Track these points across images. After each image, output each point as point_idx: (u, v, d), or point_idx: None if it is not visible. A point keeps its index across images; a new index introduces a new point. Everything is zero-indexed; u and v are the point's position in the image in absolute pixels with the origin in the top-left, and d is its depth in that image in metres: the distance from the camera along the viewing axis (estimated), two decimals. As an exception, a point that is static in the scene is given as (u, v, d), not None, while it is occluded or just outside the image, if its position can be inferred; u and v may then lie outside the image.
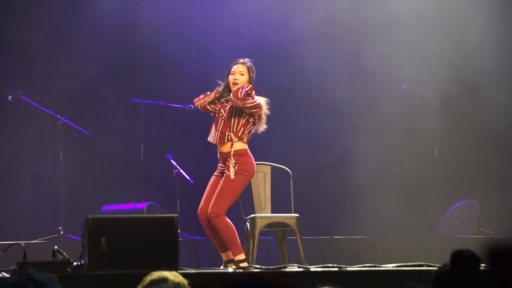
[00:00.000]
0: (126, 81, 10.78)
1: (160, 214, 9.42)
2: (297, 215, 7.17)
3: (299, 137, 11.09)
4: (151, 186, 10.82)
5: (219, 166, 6.99)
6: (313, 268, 5.97)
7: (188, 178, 10.03)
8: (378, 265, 6.20)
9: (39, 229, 9.92)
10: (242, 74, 6.97)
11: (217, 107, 7.01)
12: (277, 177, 7.54)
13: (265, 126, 6.94)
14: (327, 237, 9.71)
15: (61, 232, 9.55)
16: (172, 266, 5.41)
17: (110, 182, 10.68)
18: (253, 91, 6.92)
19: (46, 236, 9.54)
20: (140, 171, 10.18)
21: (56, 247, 5.67)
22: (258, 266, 6.31)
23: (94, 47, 10.74)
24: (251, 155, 6.89)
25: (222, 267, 6.80)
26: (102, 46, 10.70)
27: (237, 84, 6.91)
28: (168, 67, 10.82)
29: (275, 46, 10.84)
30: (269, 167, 7.42)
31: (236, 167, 6.77)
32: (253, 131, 6.95)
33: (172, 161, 10.06)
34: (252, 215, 7.11)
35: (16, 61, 10.54)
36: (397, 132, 10.86)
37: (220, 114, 6.95)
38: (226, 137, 6.86)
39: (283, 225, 7.15)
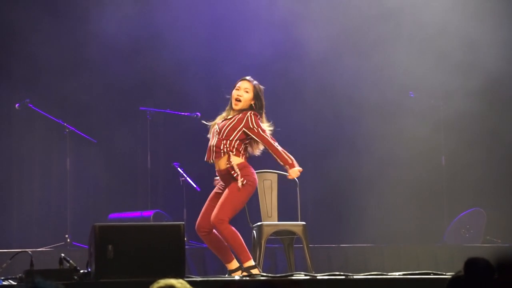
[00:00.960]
0: (133, 89, 10.79)
1: (166, 222, 9.42)
2: (304, 223, 7.16)
3: (306, 145, 11.08)
4: (158, 194, 10.83)
5: (220, 184, 6.87)
6: (319, 276, 5.96)
7: (194, 186, 10.03)
8: (385, 273, 6.19)
9: (46, 237, 9.94)
10: (247, 92, 6.81)
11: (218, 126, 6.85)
12: (284, 185, 7.53)
13: (260, 148, 6.82)
14: (334, 245, 9.70)
15: (68, 240, 9.56)
16: (179, 274, 5.41)
17: (117, 190, 10.69)
18: (261, 117, 6.79)
19: (53, 244, 9.55)
20: (146, 179, 10.19)
21: (63, 255, 5.67)
22: (265, 274, 6.31)
23: (101, 55, 10.75)
24: (251, 167, 6.77)
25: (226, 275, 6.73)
26: (109, 54, 10.71)
27: (240, 101, 6.78)
28: (175, 75, 10.82)
29: (281, 53, 10.84)
30: (276, 175, 7.42)
31: (241, 178, 6.62)
32: (249, 149, 6.80)
33: (179, 169, 10.07)
34: (259, 223, 7.10)
35: (23, 69, 10.55)
36: (404, 140, 10.84)
37: (214, 130, 6.83)
38: (221, 151, 6.72)
39: (290, 233, 7.14)
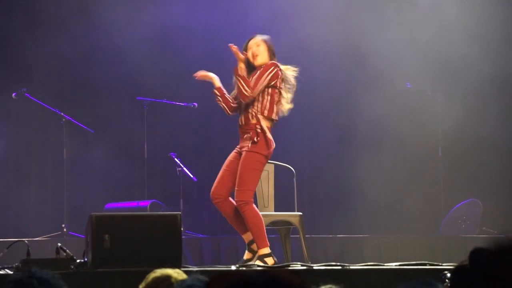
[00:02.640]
0: (130, 79, 10.77)
1: (163, 212, 9.42)
2: (301, 213, 7.16)
3: (303, 135, 11.09)
4: (155, 184, 10.83)
5: (237, 147, 6.55)
6: (316, 267, 5.97)
7: (191, 176, 10.03)
8: (381, 264, 6.19)
9: (43, 227, 9.94)
10: (258, 45, 6.56)
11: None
12: (281, 176, 7.54)
13: (289, 106, 6.50)
14: (330, 235, 9.71)
15: (65, 230, 9.56)
16: (175, 264, 5.42)
17: (114, 180, 10.68)
18: (272, 67, 6.45)
19: (50, 234, 9.56)
20: (143, 169, 10.19)
21: (59, 244, 5.68)
22: (261, 264, 6.31)
23: (98, 46, 10.73)
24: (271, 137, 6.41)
25: (246, 251, 6.51)
26: (106, 45, 10.69)
27: (257, 55, 6.51)
28: (172, 65, 10.81)
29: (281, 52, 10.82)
30: (273, 165, 7.42)
31: (256, 143, 6.32)
32: (277, 103, 6.44)
33: (175, 159, 10.06)
34: (256, 213, 7.09)
35: (20, 58, 10.54)
36: (401, 131, 10.85)
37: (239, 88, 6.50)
38: (250, 115, 6.43)
39: (286, 223, 7.14)
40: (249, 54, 6.55)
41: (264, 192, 7.31)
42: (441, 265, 5.94)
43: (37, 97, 9.86)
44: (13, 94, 9.76)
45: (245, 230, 6.47)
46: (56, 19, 10.66)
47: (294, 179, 7.47)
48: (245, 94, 6.41)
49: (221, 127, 11.15)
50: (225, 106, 6.70)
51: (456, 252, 9.23)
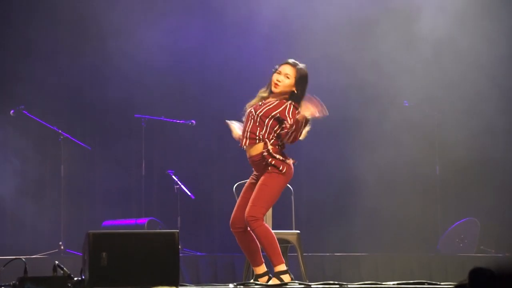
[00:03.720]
0: (128, 97, 10.79)
1: (161, 229, 9.40)
2: (298, 231, 7.15)
3: (301, 154, 11.09)
4: (152, 202, 10.82)
5: (253, 174, 6.29)
6: (314, 285, 5.95)
7: (189, 193, 10.03)
8: (379, 282, 6.18)
9: (40, 244, 9.92)
10: (288, 78, 6.16)
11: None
12: (279, 194, 7.52)
13: (301, 138, 6.21)
14: (328, 254, 9.70)
15: (62, 247, 9.55)
16: (173, 282, 5.41)
17: (111, 198, 10.68)
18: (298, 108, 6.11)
19: (47, 251, 9.54)
20: (141, 186, 10.18)
21: (56, 262, 5.66)
22: (258, 283, 6.29)
23: (96, 63, 10.76)
24: (288, 157, 6.21)
25: (252, 281, 6.40)
26: (104, 62, 10.72)
27: (278, 85, 6.15)
28: (170, 82, 10.83)
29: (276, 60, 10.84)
30: (271, 183, 7.39)
31: (275, 166, 6.08)
32: (285, 140, 6.20)
33: (173, 176, 10.06)
34: (253, 232, 7.08)
35: (18, 76, 10.55)
36: (398, 149, 10.86)
37: (250, 114, 6.22)
38: (257, 137, 6.16)
39: (284, 241, 7.12)
40: (274, 78, 6.20)
41: (262, 210, 7.30)
42: (439, 284, 5.93)
43: (35, 114, 9.86)
44: (11, 111, 9.77)
45: (259, 263, 6.31)
46: (54, 37, 10.69)
47: (292, 197, 7.47)
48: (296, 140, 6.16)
49: (219, 145, 11.16)
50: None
51: (453, 271, 9.23)
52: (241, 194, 6.34)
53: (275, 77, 6.19)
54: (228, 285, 6.11)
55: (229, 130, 6.60)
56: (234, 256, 9.34)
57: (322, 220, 11.08)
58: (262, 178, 6.15)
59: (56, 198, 10.09)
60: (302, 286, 5.98)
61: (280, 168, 6.09)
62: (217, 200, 11.06)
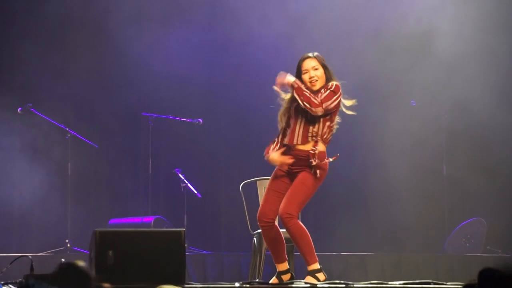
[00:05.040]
0: (135, 95, 10.79)
1: (167, 228, 9.41)
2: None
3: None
4: (159, 200, 10.83)
5: (281, 168, 6.22)
6: (320, 285, 5.95)
7: (195, 192, 10.03)
8: (385, 282, 6.17)
9: (46, 242, 9.93)
10: (316, 69, 6.15)
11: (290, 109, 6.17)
12: (285, 193, 7.51)
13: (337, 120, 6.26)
14: (334, 253, 9.69)
15: (68, 245, 9.56)
16: (179, 280, 5.42)
17: (118, 196, 10.69)
18: (334, 86, 6.12)
19: (53, 249, 9.55)
20: (148, 184, 10.19)
21: (63, 259, 5.67)
22: (264, 282, 6.29)
23: (104, 61, 10.76)
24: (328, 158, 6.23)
25: (274, 277, 6.34)
26: (112, 61, 10.73)
27: (316, 81, 6.12)
28: (178, 81, 10.83)
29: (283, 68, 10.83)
30: (277, 182, 7.39)
31: (317, 169, 6.11)
32: (333, 130, 6.25)
33: (180, 175, 10.06)
34: (259, 230, 7.08)
35: (25, 73, 10.56)
36: (406, 149, 10.84)
37: (301, 110, 6.11)
38: (309, 136, 6.11)
39: (290, 240, 7.11)
40: (306, 78, 6.15)
41: (268, 209, 7.29)
42: (446, 284, 5.92)
43: (43, 112, 9.88)
44: (19, 109, 9.79)
45: (282, 259, 6.29)
46: (63, 36, 10.70)
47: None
48: (315, 103, 6.05)
49: (226, 144, 11.16)
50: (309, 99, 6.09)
51: (460, 271, 9.21)
52: (269, 187, 6.27)
53: (306, 76, 6.14)
54: (234, 284, 6.11)
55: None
56: (240, 255, 9.34)
57: (329, 219, 11.07)
58: (301, 175, 6.11)
59: (63, 196, 10.10)
60: (308, 285, 5.98)
61: (318, 173, 6.11)
62: (224, 199, 11.06)
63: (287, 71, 6.28)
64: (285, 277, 6.27)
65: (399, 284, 6.08)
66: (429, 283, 6.02)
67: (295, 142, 6.13)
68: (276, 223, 6.26)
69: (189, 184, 10.03)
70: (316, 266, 6.16)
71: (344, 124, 10.79)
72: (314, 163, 6.09)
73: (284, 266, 6.29)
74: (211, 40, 10.99)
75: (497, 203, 10.90)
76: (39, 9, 10.59)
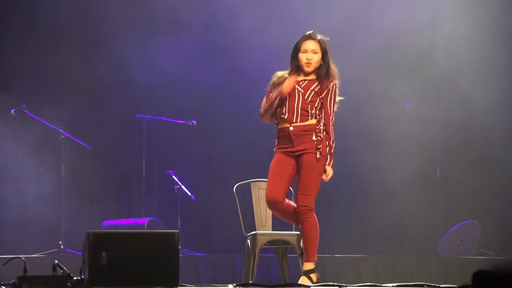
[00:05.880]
0: (129, 96, 10.79)
1: (160, 229, 9.40)
2: (298, 232, 7.14)
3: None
4: (152, 202, 10.82)
5: (284, 148, 6.21)
6: (314, 287, 5.95)
7: (189, 194, 10.02)
8: (379, 284, 6.18)
9: (40, 243, 9.92)
10: (315, 53, 6.16)
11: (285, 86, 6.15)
12: (279, 195, 7.50)
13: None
14: (327, 255, 9.69)
15: (62, 247, 9.55)
16: (173, 282, 5.41)
17: (111, 197, 10.68)
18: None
19: (47, 250, 9.54)
20: (141, 186, 10.18)
21: (56, 261, 5.66)
22: (258, 283, 6.29)
23: (98, 62, 10.76)
24: None
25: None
26: (105, 61, 10.72)
27: (311, 64, 6.15)
28: (172, 82, 10.83)
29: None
30: (271, 184, 7.39)
31: (320, 147, 6.10)
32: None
33: (173, 176, 10.06)
34: (253, 232, 7.09)
35: (19, 75, 10.55)
36: (399, 151, 10.86)
37: (297, 91, 6.14)
38: (309, 114, 6.11)
39: (284, 242, 7.12)
40: (302, 57, 6.17)
41: (262, 211, 7.31)
42: (439, 286, 5.93)
43: (36, 113, 9.87)
44: (12, 111, 9.78)
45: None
46: (57, 37, 10.69)
47: (292, 198, 7.46)
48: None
49: (220, 145, 11.16)
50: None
51: (453, 274, 9.22)
52: (275, 168, 6.23)
53: (303, 56, 6.18)
54: (228, 286, 6.11)
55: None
56: (234, 257, 9.34)
57: (322, 221, 11.04)
58: (308, 160, 6.11)
59: (57, 198, 10.09)
60: (302, 287, 5.98)
61: (324, 153, 6.11)
62: (218, 200, 11.06)
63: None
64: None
65: (393, 286, 6.08)
66: (422, 286, 6.03)
67: (294, 121, 6.13)
68: (287, 199, 6.27)
69: (182, 186, 10.03)
70: (312, 265, 6.24)
71: (338, 126, 10.80)
72: (319, 145, 6.09)
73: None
74: (206, 42, 10.99)
75: (490, 206, 10.92)
76: (33, 12, 10.58)
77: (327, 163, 6.17)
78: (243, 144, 10.84)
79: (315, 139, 6.11)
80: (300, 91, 6.16)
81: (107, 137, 10.81)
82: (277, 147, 6.28)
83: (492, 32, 11.03)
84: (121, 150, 10.83)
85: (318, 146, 6.10)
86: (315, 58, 6.17)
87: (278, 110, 6.21)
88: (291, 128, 6.14)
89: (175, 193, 10.06)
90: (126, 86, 10.77)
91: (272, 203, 6.26)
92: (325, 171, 6.20)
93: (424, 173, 10.95)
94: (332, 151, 6.17)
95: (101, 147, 10.65)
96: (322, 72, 6.20)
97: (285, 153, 6.22)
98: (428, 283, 6.11)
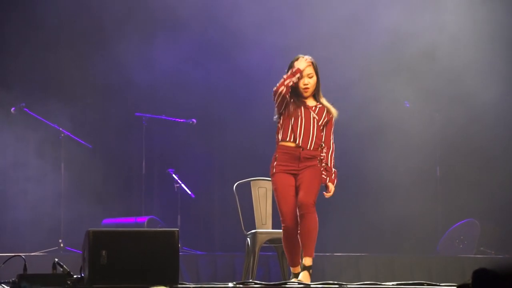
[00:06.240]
0: (129, 95, 10.79)
1: (160, 228, 9.40)
2: (298, 231, 7.14)
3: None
4: (152, 200, 10.83)
5: (289, 167, 6.35)
6: (313, 285, 5.95)
7: (189, 192, 10.03)
8: (378, 283, 6.18)
9: (40, 242, 9.92)
10: (311, 77, 6.35)
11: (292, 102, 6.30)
12: (279, 193, 7.50)
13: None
14: (327, 254, 9.70)
15: (61, 245, 9.55)
16: (172, 280, 5.41)
17: (111, 196, 10.68)
18: None
19: (47, 249, 9.54)
20: (141, 185, 10.18)
21: (56, 259, 5.66)
22: (258, 282, 6.29)
23: (96, 60, 10.76)
24: None
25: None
26: (105, 60, 10.72)
27: (308, 89, 6.32)
28: (172, 81, 10.83)
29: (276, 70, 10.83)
30: (271, 183, 7.41)
31: (324, 174, 6.42)
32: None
33: (173, 175, 10.06)
34: (253, 231, 7.10)
35: (19, 73, 10.55)
36: (399, 150, 10.86)
37: (312, 117, 6.34)
38: (321, 144, 6.38)
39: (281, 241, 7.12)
40: (300, 84, 6.30)
41: (262, 210, 7.31)
42: (439, 285, 5.93)
43: (36, 112, 9.87)
44: (12, 109, 9.78)
45: (299, 262, 6.43)
46: (57, 36, 10.70)
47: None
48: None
49: (220, 144, 11.16)
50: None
51: (452, 272, 9.22)
52: (285, 195, 6.35)
53: (300, 82, 6.29)
54: (228, 284, 6.12)
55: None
56: (234, 255, 9.35)
57: (322, 220, 11.05)
58: (313, 169, 6.32)
59: (56, 196, 10.09)
60: (302, 285, 5.99)
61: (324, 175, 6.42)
62: (217, 199, 11.06)
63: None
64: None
65: (393, 285, 6.08)
66: (422, 284, 6.03)
67: (309, 147, 6.32)
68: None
69: (182, 184, 10.03)
70: (311, 262, 6.32)
71: (337, 124, 10.79)
72: (319, 163, 6.37)
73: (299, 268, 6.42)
74: (206, 41, 10.99)
75: (490, 205, 10.92)
76: (33, 11, 10.58)
77: (328, 180, 6.45)
78: (243, 143, 10.84)
79: (319, 164, 6.37)
80: (315, 117, 6.34)
81: (107, 136, 10.81)
82: (278, 164, 6.37)
83: (494, 32, 11.03)
84: (121, 149, 10.83)
85: (324, 176, 6.43)
86: (312, 82, 6.33)
87: (290, 132, 6.34)
88: (302, 150, 6.31)
89: (175, 192, 10.07)
90: (126, 85, 10.77)
91: (290, 230, 6.41)
92: (327, 187, 6.48)
93: (424, 172, 10.95)
94: (333, 172, 6.47)
95: (101, 146, 10.65)
96: (319, 96, 6.42)
97: (287, 171, 6.35)
98: (427, 282, 6.11)
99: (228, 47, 10.87)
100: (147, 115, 10.20)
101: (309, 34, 10.72)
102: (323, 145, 6.39)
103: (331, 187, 6.47)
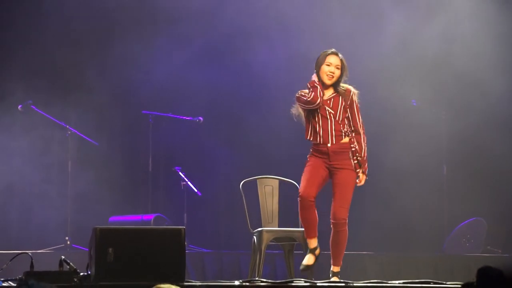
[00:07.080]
0: (136, 93, 10.80)
1: (167, 226, 9.42)
2: (303, 229, 7.14)
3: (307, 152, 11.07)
4: (159, 198, 10.83)
5: (319, 154, 6.62)
6: (319, 283, 5.96)
7: (196, 190, 10.03)
8: (384, 281, 6.18)
9: (46, 239, 9.94)
10: (338, 68, 6.62)
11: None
12: (285, 191, 7.53)
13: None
14: (334, 252, 9.68)
15: (68, 242, 9.57)
16: (179, 278, 5.42)
17: (118, 193, 10.69)
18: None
19: (53, 246, 9.55)
20: (148, 182, 10.19)
21: (63, 257, 5.68)
22: (264, 280, 6.30)
23: (104, 59, 10.76)
24: None
25: (308, 254, 6.76)
26: (111, 58, 10.73)
27: (333, 77, 6.59)
28: (178, 78, 10.83)
29: (282, 69, 10.84)
30: (277, 181, 7.42)
31: (358, 171, 6.61)
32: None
33: (180, 173, 10.07)
34: (259, 229, 7.10)
35: (26, 71, 10.56)
36: (406, 149, 10.84)
37: (328, 113, 6.57)
38: (342, 133, 6.56)
39: (290, 239, 7.13)
40: (325, 69, 6.58)
41: (268, 208, 7.32)
42: (445, 284, 5.93)
43: (43, 109, 9.88)
44: (19, 106, 9.80)
45: (315, 235, 6.74)
46: (64, 33, 10.70)
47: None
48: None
49: (226, 142, 11.16)
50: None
51: (459, 271, 9.21)
52: (313, 170, 6.60)
53: (327, 68, 6.57)
54: (234, 282, 6.12)
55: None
56: (240, 253, 9.35)
57: (328, 218, 11.05)
58: (346, 175, 6.60)
59: (63, 193, 10.11)
60: (308, 284, 5.99)
61: (357, 170, 6.61)
62: (224, 197, 11.06)
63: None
64: (317, 252, 6.76)
65: (399, 283, 6.08)
66: (428, 283, 6.03)
67: (328, 142, 6.54)
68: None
69: (189, 182, 10.04)
70: (339, 269, 6.74)
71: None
72: (356, 159, 6.59)
73: (315, 241, 6.75)
74: (213, 38, 10.99)
75: (497, 203, 10.89)
76: (39, 10, 10.59)
77: (360, 170, 6.60)
78: (249, 140, 10.83)
79: (352, 160, 6.56)
80: (331, 112, 6.55)
81: (113, 133, 10.82)
82: (313, 152, 6.66)
83: (502, 31, 11.01)
84: (128, 146, 10.84)
85: (357, 170, 6.59)
86: (337, 73, 6.58)
87: (311, 134, 6.64)
88: (329, 145, 6.54)
89: (182, 190, 10.07)
90: (132, 83, 10.78)
91: (304, 200, 6.58)
92: (358, 177, 6.65)
93: (431, 170, 10.94)
94: (365, 160, 6.60)
95: (107, 143, 10.66)
96: (337, 86, 6.62)
97: (320, 159, 6.59)
98: (434, 280, 6.11)
99: (236, 45, 10.86)
100: (154, 113, 10.21)
101: (319, 34, 10.71)
102: (349, 131, 6.54)
103: (363, 177, 6.65)
